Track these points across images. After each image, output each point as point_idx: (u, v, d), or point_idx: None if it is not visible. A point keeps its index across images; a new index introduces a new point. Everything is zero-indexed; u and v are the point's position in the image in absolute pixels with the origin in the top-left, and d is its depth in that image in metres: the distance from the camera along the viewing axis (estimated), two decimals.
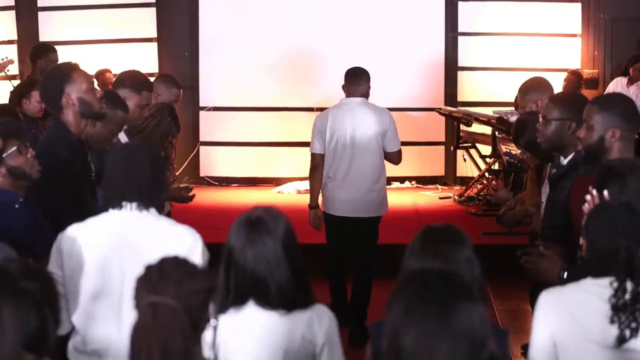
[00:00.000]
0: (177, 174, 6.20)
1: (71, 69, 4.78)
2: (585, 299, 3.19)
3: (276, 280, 3.20)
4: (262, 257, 3.20)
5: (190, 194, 5.81)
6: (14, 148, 4.19)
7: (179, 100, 6.45)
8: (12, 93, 8.11)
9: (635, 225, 3.18)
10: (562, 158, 4.58)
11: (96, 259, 3.64)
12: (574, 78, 11.12)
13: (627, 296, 3.11)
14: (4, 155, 4.18)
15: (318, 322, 3.27)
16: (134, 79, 5.57)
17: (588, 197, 3.63)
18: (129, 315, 3.53)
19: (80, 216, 3.89)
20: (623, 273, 3.13)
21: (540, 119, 4.56)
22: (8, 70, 9.89)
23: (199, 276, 2.56)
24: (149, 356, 2.41)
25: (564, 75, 11.50)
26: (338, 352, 3.34)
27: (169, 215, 5.80)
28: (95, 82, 10.35)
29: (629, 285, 3.13)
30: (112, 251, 3.63)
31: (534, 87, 5.88)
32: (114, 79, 5.93)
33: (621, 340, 3.11)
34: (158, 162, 3.83)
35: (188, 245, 3.64)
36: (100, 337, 3.65)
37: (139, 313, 2.50)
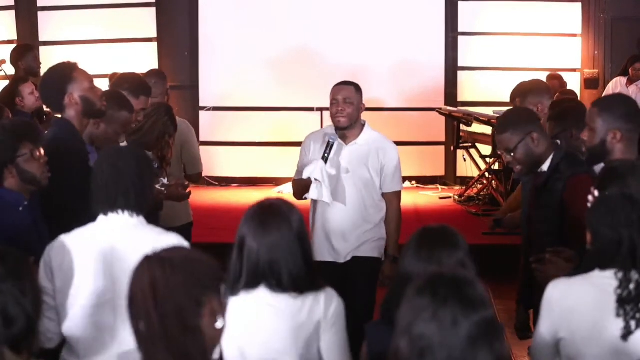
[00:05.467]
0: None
1: (72, 68, 4.77)
2: (591, 291, 3.21)
3: (289, 264, 3.27)
4: (276, 242, 3.26)
5: (187, 190, 5.78)
6: (27, 151, 4.15)
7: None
8: (2, 98, 8.05)
9: (637, 215, 3.20)
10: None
11: (86, 270, 3.57)
12: (556, 83, 10.32)
13: (632, 286, 3.13)
14: (17, 156, 4.14)
15: (329, 303, 3.34)
16: (133, 83, 5.56)
17: (590, 197, 3.64)
18: (123, 326, 3.52)
19: (85, 211, 3.84)
20: (627, 263, 3.16)
21: (505, 156, 4.48)
22: (1, 70, 9.88)
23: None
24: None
25: (566, 75, 11.52)
26: (343, 335, 3.39)
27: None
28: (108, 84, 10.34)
29: (634, 275, 3.15)
30: (102, 261, 3.57)
31: (534, 89, 5.88)
32: (113, 81, 5.89)
33: (627, 333, 3.13)
34: (146, 166, 3.75)
35: None
36: (94, 349, 3.60)
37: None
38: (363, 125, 5.74)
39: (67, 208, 4.35)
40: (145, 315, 2.40)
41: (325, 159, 5.58)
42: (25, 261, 2.71)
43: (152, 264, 2.45)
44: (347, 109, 5.62)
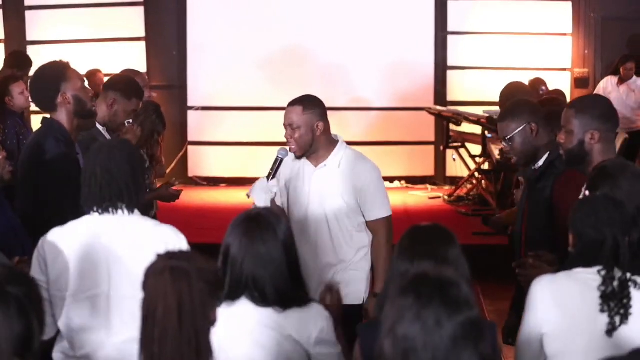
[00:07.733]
0: (167, 171, 6.14)
1: (65, 66, 4.77)
2: (575, 288, 3.22)
3: (273, 278, 3.21)
4: (261, 255, 3.21)
5: (177, 188, 5.78)
6: None
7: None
8: None
9: (620, 215, 3.23)
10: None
11: (81, 263, 3.57)
12: (538, 88, 9.96)
13: (615, 283, 3.16)
14: None
15: (313, 321, 3.27)
16: (126, 85, 5.56)
17: (581, 197, 3.63)
18: (118, 319, 3.54)
19: (74, 214, 3.83)
20: (610, 262, 3.19)
21: (503, 143, 4.52)
22: None
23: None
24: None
25: (556, 74, 11.54)
26: (332, 350, 3.32)
27: (155, 216, 5.76)
28: (87, 83, 10.26)
29: (617, 273, 3.18)
30: (97, 254, 3.57)
31: (515, 93, 5.93)
32: (106, 80, 5.89)
33: (612, 329, 3.16)
34: (137, 161, 3.78)
35: (172, 245, 3.58)
36: (89, 342, 3.60)
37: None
38: (335, 143, 4.86)
39: (45, 210, 4.37)
40: (161, 335, 2.39)
41: (269, 177, 4.76)
42: (34, 282, 2.69)
43: (176, 276, 2.45)
44: (294, 134, 4.74)
